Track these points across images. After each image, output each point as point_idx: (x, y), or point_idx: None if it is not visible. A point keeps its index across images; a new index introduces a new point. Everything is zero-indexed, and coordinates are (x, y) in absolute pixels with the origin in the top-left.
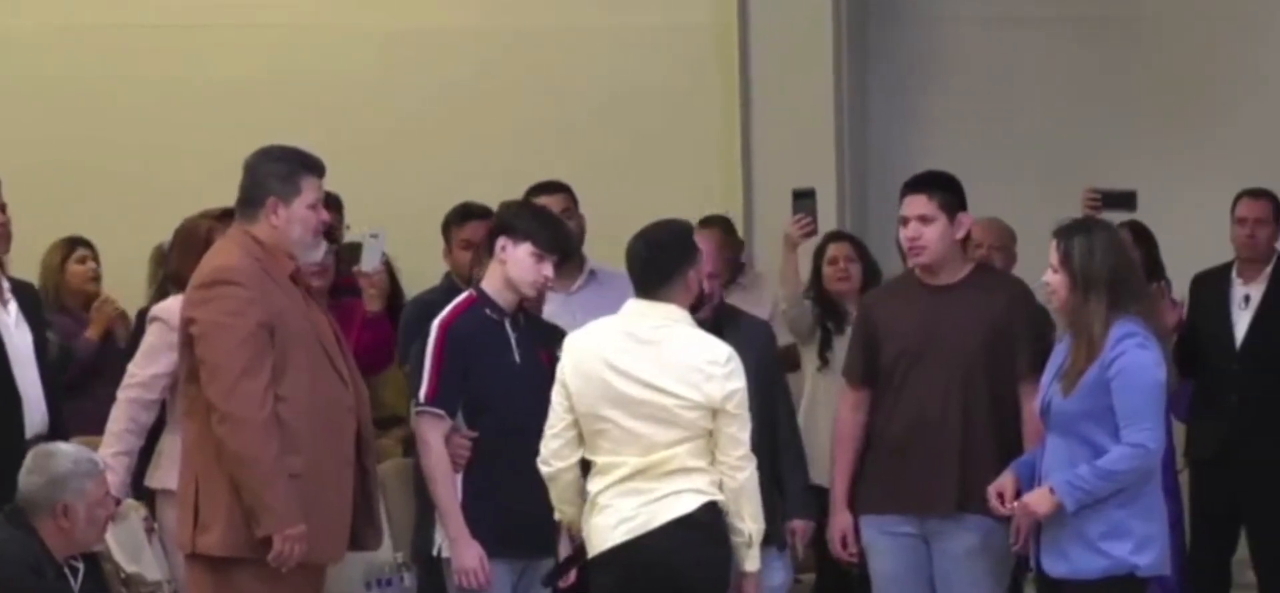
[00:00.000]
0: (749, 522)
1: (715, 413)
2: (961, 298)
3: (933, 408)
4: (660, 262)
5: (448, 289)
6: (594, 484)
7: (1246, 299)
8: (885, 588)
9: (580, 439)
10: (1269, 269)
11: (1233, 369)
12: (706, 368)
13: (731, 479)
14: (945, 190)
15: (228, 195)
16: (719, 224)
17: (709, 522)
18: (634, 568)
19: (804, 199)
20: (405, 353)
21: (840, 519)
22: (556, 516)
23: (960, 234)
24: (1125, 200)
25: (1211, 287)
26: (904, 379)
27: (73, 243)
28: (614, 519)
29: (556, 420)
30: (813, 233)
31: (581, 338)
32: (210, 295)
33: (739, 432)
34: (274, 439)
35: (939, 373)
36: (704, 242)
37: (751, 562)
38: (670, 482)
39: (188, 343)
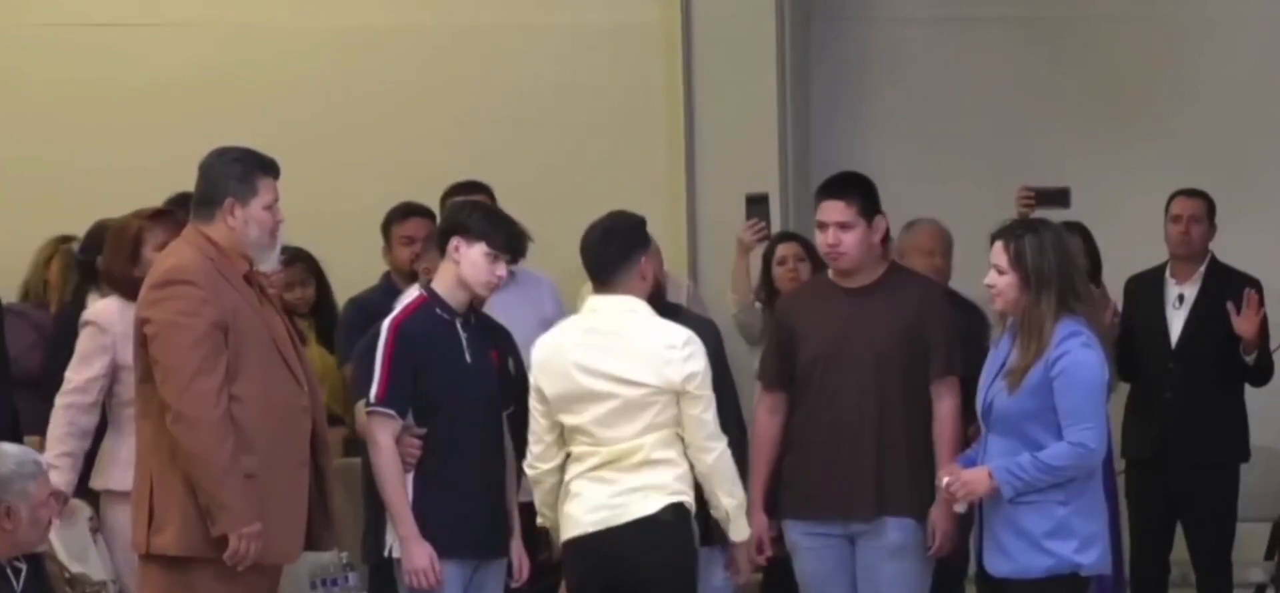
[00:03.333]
0: (725, 498)
1: (678, 397)
2: (876, 299)
3: (849, 411)
4: (610, 249)
5: (386, 288)
6: (568, 472)
7: (1180, 298)
8: (812, 588)
9: (562, 440)
10: (1202, 269)
11: (1168, 368)
12: (665, 352)
13: (701, 462)
14: (863, 195)
15: None
16: None
17: (672, 522)
18: (600, 561)
19: (758, 204)
20: (345, 353)
21: (756, 522)
22: (539, 520)
23: (878, 237)
24: (1059, 198)
25: (1146, 287)
26: (821, 382)
27: None
28: (584, 507)
29: (536, 425)
30: (766, 238)
31: (547, 341)
32: (165, 295)
33: (703, 412)
34: (228, 438)
35: (854, 375)
36: None
37: (737, 531)
38: (638, 475)
39: (142, 343)
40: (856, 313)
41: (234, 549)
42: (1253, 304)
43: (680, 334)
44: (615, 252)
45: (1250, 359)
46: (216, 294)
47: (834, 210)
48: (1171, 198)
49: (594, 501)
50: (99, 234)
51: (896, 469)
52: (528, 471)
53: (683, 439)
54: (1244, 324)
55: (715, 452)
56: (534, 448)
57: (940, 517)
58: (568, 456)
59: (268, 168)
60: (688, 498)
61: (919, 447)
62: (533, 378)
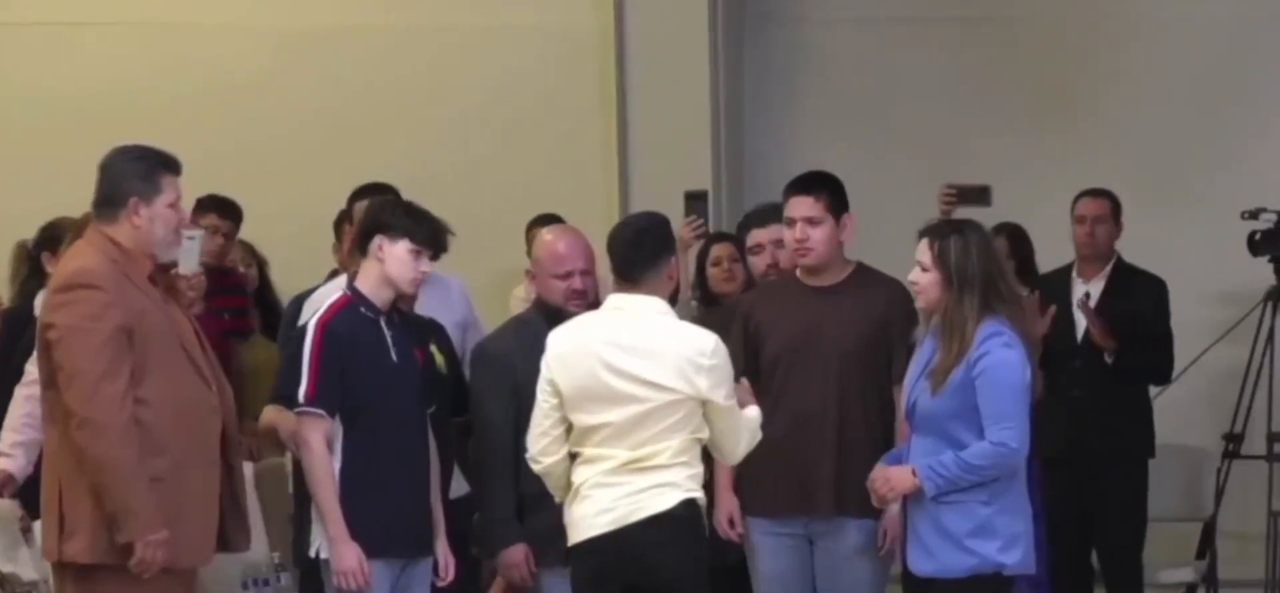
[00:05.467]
0: None
1: (704, 404)
2: (842, 298)
3: (812, 409)
4: (643, 249)
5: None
6: (579, 475)
7: (1087, 296)
8: (767, 588)
9: (567, 434)
10: (1108, 268)
11: (1076, 366)
12: (695, 358)
13: (730, 462)
14: (831, 192)
15: None
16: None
17: (687, 517)
18: (612, 560)
19: (697, 201)
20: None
21: (725, 502)
22: (558, 498)
23: (846, 235)
24: (980, 195)
25: (1053, 287)
26: (785, 380)
27: None
28: (594, 509)
29: (543, 418)
30: (705, 235)
31: (568, 335)
32: (68, 299)
33: (732, 420)
34: (134, 444)
35: (818, 374)
36: (574, 239)
37: None
38: (653, 476)
39: (46, 348)
40: (822, 311)
41: (140, 557)
42: (1084, 311)
43: (709, 340)
44: (647, 252)
45: (1110, 360)
46: (121, 297)
47: (802, 206)
48: (1077, 199)
49: (603, 503)
50: (53, 230)
51: (857, 470)
52: (533, 466)
53: (699, 442)
54: (1095, 334)
55: (741, 455)
56: (539, 442)
57: (892, 519)
58: (575, 456)
59: (170, 165)
60: (700, 495)
61: (880, 448)
62: (546, 372)
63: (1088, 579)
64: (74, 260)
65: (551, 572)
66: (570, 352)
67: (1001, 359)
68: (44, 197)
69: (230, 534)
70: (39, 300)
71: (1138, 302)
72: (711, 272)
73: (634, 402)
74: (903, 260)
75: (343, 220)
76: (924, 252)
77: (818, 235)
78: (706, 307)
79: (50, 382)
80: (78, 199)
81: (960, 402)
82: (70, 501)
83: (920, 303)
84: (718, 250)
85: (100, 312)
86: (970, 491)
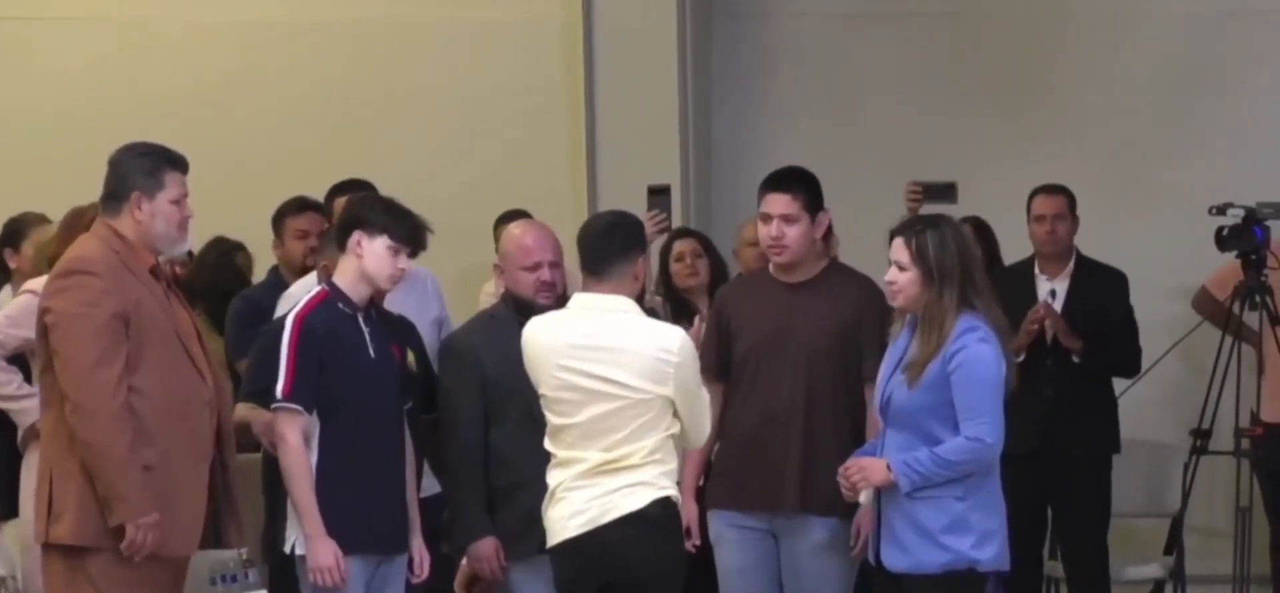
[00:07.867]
0: None
1: (672, 401)
2: (814, 295)
3: (781, 406)
4: (612, 244)
5: (273, 282)
6: (554, 478)
7: (1053, 294)
8: (732, 581)
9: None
10: (1071, 264)
11: (1046, 363)
12: (661, 355)
13: (700, 443)
14: (807, 189)
15: (84, 194)
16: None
17: (660, 516)
18: (587, 561)
19: (659, 195)
20: (237, 348)
21: (687, 509)
22: None
23: (820, 233)
24: (946, 192)
25: (1015, 282)
26: (755, 375)
27: None
28: (568, 512)
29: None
30: (667, 229)
31: (533, 334)
32: (66, 285)
33: (699, 409)
34: (127, 429)
35: (788, 370)
36: (542, 232)
37: None
38: (625, 476)
39: (43, 333)
40: (794, 308)
41: (131, 540)
42: (1049, 314)
43: (674, 338)
44: (616, 248)
45: (1077, 359)
46: (118, 285)
47: (778, 203)
48: (1032, 196)
49: (577, 505)
50: (14, 226)
51: (823, 467)
52: None
53: (673, 438)
54: (1062, 338)
55: (707, 432)
56: None
57: (865, 519)
58: (550, 457)
59: (176, 163)
60: (674, 493)
61: (847, 446)
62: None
63: (1038, 577)
64: (75, 249)
65: (521, 566)
66: (534, 354)
67: (977, 354)
68: (33, 192)
69: (224, 529)
70: (4, 295)
71: (1102, 297)
72: (675, 267)
73: (600, 401)
74: (867, 253)
75: (282, 216)
76: (900, 251)
77: (793, 233)
78: (670, 301)
79: (47, 366)
80: (64, 195)
81: (936, 396)
82: (59, 484)
83: (898, 302)
84: (681, 246)
85: (97, 298)
86: (945, 486)
